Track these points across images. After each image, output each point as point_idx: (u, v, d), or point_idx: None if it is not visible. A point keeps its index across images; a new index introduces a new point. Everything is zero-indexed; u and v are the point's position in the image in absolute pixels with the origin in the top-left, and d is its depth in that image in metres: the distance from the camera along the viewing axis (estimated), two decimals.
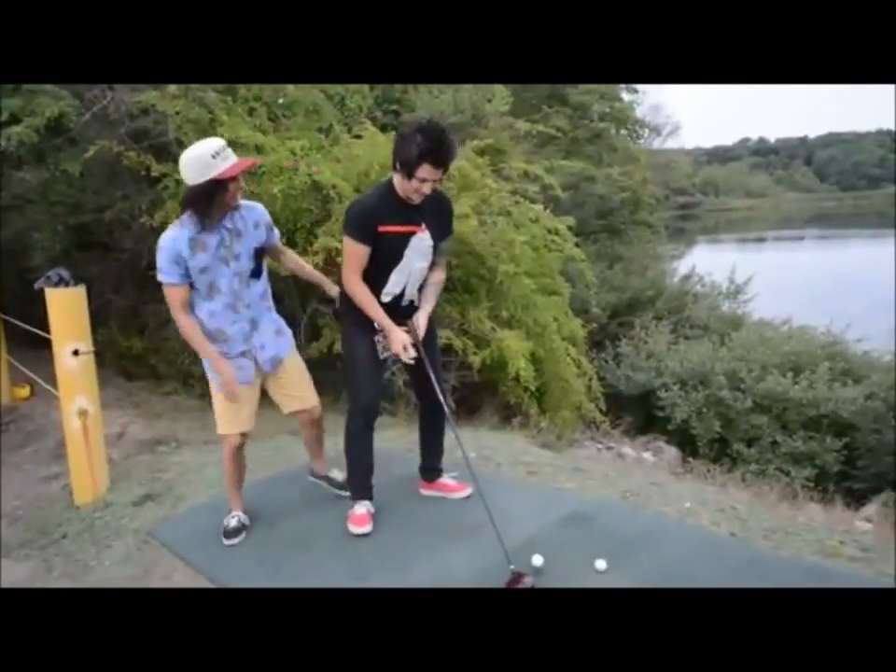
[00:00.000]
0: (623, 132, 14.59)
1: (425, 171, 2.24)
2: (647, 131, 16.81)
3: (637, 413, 7.07)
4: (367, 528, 2.56)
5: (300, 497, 2.94)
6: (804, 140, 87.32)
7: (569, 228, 5.70)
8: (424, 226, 2.43)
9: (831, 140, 79.60)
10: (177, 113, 4.21)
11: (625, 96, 14.06)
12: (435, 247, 2.49)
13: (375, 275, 2.43)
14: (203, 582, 2.34)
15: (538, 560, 2.24)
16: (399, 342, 2.41)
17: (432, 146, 2.22)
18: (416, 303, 2.56)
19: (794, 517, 3.00)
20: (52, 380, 3.12)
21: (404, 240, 2.41)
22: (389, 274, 2.44)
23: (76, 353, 2.96)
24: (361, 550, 2.47)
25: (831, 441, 5.92)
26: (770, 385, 6.28)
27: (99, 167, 4.52)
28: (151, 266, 4.77)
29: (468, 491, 2.81)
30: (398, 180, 2.36)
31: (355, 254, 2.38)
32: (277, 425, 4.21)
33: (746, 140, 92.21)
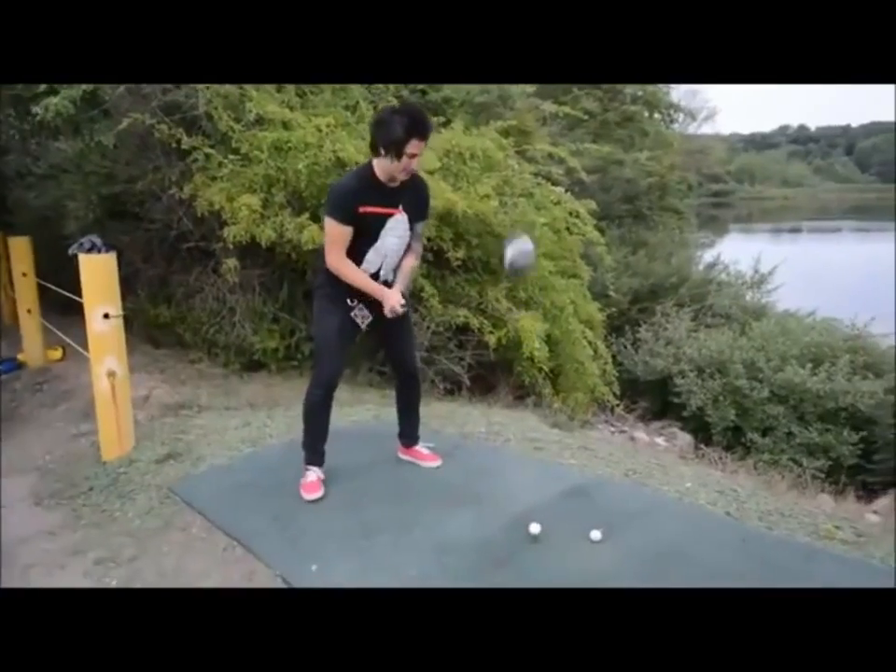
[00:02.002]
0: (656, 115, 14.39)
1: (413, 146, 2.42)
2: (682, 115, 16.56)
3: (654, 398, 7.08)
4: (319, 494, 2.71)
5: None
6: (845, 129, 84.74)
7: (591, 212, 5.71)
8: (401, 208, 2.59)
9: (874, 129, 76.97)
10: (208, 88, 4.31)
11: None
12: (411, 228, 2.65)
13: (353, 254, 2.57)
14: (218, 535, 2.48)
15: (535, 528, 2.34)
16: (394, 298, 2.58)
17: (416, 120, 2.43)
18: (390, 283, 2.70)
19: (796, 503, 3.04)
20: (84, 343, 3.27)
21: (381, 221, 2.56)
22: (366, 254, 2.59)
23: (106, 316, 3.10)
24: (367, 510, 2.60)
25: (847, 433, 5.88)
26: (788, 376, 6.24)
27: (132, 139, 4.65)
28: (180, 237, 4.93)
29: (438, 462, 3.01)
30: (382, 164, 2.50)
31: (338, 234, 2.52)
32: (299, 394, 4.35)
33: (785, 128, 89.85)
